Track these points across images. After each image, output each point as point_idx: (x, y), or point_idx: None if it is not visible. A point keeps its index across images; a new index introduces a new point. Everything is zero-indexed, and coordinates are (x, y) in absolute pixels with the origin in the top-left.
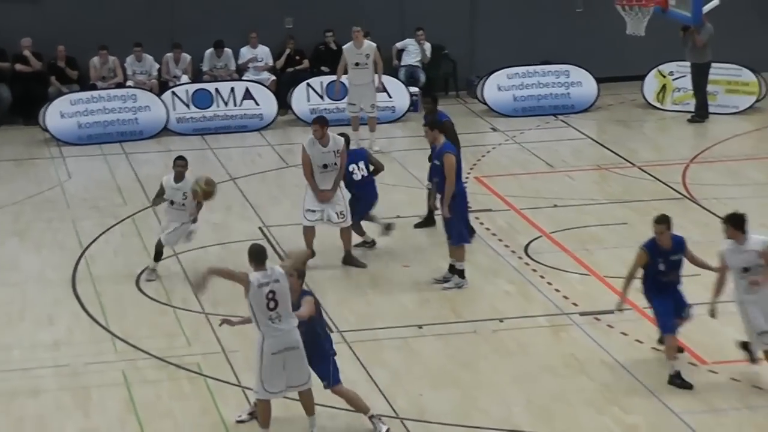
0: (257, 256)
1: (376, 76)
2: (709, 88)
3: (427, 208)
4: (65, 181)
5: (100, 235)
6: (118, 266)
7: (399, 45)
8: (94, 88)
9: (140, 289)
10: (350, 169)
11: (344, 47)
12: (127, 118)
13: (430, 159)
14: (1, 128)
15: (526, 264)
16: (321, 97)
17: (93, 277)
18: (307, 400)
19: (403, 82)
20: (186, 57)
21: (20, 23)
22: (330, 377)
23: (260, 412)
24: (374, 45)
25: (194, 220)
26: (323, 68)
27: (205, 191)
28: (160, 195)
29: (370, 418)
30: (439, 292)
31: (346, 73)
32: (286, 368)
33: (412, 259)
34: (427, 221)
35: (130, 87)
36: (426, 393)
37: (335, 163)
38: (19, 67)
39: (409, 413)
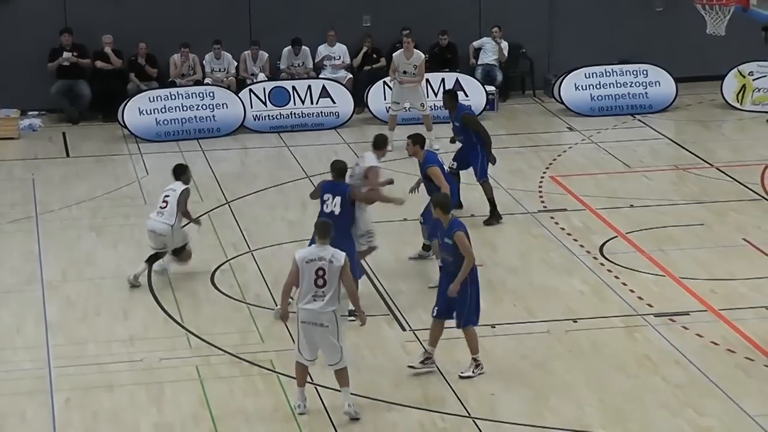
0: (319, 230)
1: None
2: None
3: (489, 203)
4: (143, 178)
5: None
6: (193, 262)
7: (476, 44)
8: (172, 85)
9: (215, 285)
10: (324, 198)
11: (394, 55)
12: (205, 116)
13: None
14: (81, 124)
15: (601, 264)
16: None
17: (168, 273)
18: (340, 377)
19: (479, 81)
20: (263, 55)
21: (101, 20)
22: (463, 317)
23: (296, 371)
24: (422, 56)
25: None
26: None
27: None
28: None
29: (474, 359)
30: (512, 292)
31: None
32: (317, 340)
33: (486, 258)
34: (493, 216)
35: (207, 84)
36: (498, 393)
37: None
38: (99, 64)
39: (480, 413)
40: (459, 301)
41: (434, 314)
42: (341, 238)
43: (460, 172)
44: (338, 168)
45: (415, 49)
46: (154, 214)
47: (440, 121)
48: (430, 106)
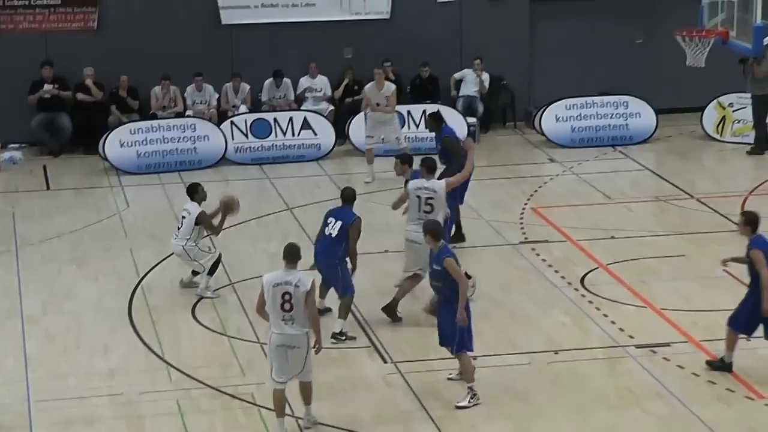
0: (286, 254)
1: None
2: None
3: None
4: (124, 210)
5: (158, 264)
6: (174, 295)
7: (457, 75)
8: (154, 117)
9: (196, 319)
10: (328, 221)
11: (366, 87)
12: (186, 148)
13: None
14: (62, 157)
15: (583, 296)
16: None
17: (149, 306)
18: (305, 392)
19: (460, 113)
20: (245, 87)
21: (82, 53)
22: (455, 344)
23: (274, 402)
24: (393, 87)
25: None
26: None
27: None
28: None
29: (469, 388)
30: (494, 324)
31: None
32: (288, 360)
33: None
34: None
35: (189, 116)
36: (479, 425)
37: None
38: (80, 96)
39: None
40: (444, 326)
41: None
42: (329, 263)
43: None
44: (347, 195)
45: (386, 81)
46: (174, 236)
47: (421, 153)
48: (413, 138)
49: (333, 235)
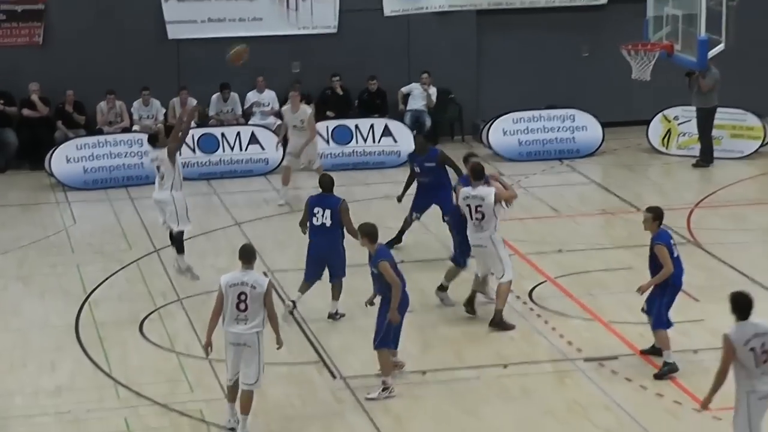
0: (242, 255)
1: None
2: (714, 132)
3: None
4: (70, 226)
5: (105, 280)
6: (121, 312)
7: (404, 89)
8: (100, 132)
9: (143, 335)
10: (314, 211)
11: (282, 109)
12: (133, 163)
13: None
14: (8, 173)
15: (531, 309)
16: (327, 141)
17: (96, 322)
18: (245, 400)
19: (408, 127)
20: (192, 102)
21: (28, 68)
22: (377, 338)
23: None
24: (309, 110)
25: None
26: (329, 113)
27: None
28: None
29: (383, 382)
30: (442, 337)
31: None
32: (242, 359)
33: (416, 304)
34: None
35: (136, 132)
36: None
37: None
38: (26, 112)
39: None
40: (378, 323)
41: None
42: (333, 249)
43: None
44: (325, 182)
45: (301, 104)
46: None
47: (369, 168)
48: (361, 152)
49: (327, 225)
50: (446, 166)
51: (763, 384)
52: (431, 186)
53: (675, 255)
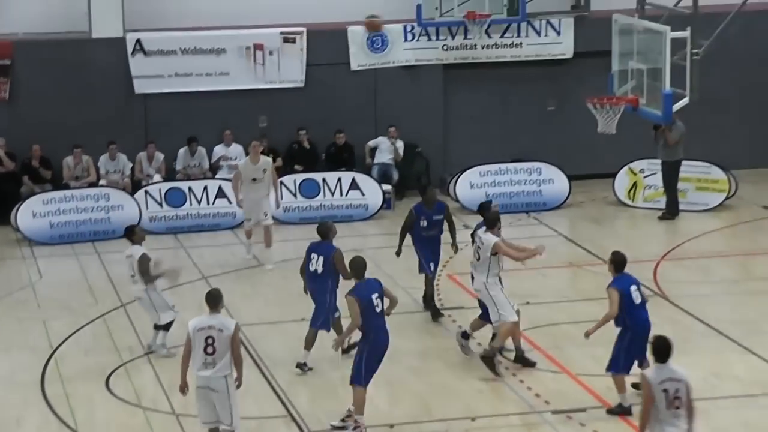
0: (208, 300)
1: (273, 190)
2: (680, 185)
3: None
4: (36, 281)
5: (71, 335)
6: (88, 367)
7: (371, 143)
8: (67, 187)
9: (110, 390)
10: (311, 257)
11: (240, 163)
12: (100, 218)
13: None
14: None
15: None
16: (294, 195)
17: (62, 378)
18: None
19: (375, 180)
20: (159, 155)
21: None
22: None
23: None
24: (270, 160)
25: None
26: (296, 167)
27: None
28: None
29: (355, 421)
30: (411, 390)
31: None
32: (213, 404)
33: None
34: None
35: (103, 186)
36: None
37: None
38: None
39: None
40: (355, 358)
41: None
42: (319, 296)
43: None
44: (322, 230)
45: (262, 155)
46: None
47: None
48: (329, 205)
49: (319, 271)
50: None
51: (671, 426)
52: (436, 239)
53: (638, 302)
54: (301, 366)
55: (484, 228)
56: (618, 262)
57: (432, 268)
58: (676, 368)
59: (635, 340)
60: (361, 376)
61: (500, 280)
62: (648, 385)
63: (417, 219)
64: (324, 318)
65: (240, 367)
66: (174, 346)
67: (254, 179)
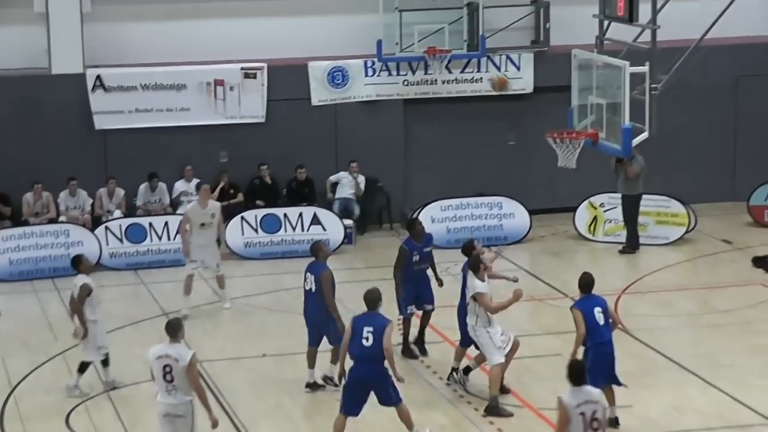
0: (167, 329)
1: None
2: (640, 219)
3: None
4: None
5: (30, 372)
6: (48, 404)
7: (333, 178)
8: (26, 224)
9: (70, 428)
10: (306, 277)
11: (188, 208)
12: (60, 254)
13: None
14: None
15: (461, 396)
16: (255, 230)
17: (22, 416)
18: None
19: (337, 215)
20: (120, 191)
21: None
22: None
23: None
24: (218, 204)
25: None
26: (258, 202)
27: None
28: None
29: None
30: (373, 426)
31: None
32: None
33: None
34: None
35: (63, 222)
36: None
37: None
38: None
39: None
40: None
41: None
42: (317, 313)
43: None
44: (313, 250)
45: (210, 200)
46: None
47: (297, 257)
48: (290, 240)
49: (312, 290)
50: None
51: None
52: (425, 273)
53: (602, 323)
54: (327, 380)
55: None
56: (582, 284)
57: (411, 310)
58: (592, 390)
59: (597, 359)
60: (341, 404)
61: (489, 321)
62: (564, 409)
63: (410, 255)
64: (335, 336)
65: (204, 400)
66: (125, 385)
67: (203, 224)
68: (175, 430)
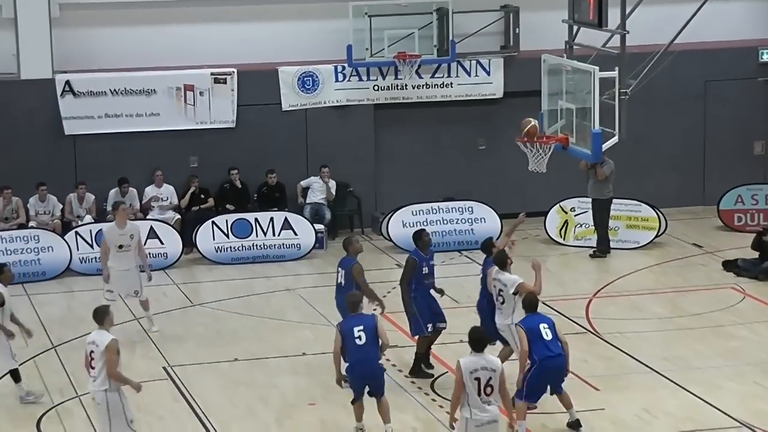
0: (94, 316)
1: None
2: (611, 223)
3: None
4: None
5: (1, 378)
6: (18, 410)
7: (303, 183)
8: None
9: None
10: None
11: (105, 228)
12: (29, 259)
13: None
14: None
15: (433, 400)
16: (226, 235)
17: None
18: None
19: (308, 220)
20: (90, 197)
21: None
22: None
23: None
24: (138, 225)
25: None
26: (228, 206)
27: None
28: None
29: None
30: (344, 428)
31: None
32: (97, 421)
33: (319, 398)
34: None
35: (32, 228)
36: None
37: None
38: None
39: None
40: None
41: None
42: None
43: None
44: (344, 244)
45: (128, 221)
46: None
47: (276, 260)
48: (261, 245)
49: (342, 284)
50: None
51: (481, 412)
52: (429, 294)
53: (548, 338)
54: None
55: (496, 268)
56: (526, 304)
57: (431, 328)
58: (491, 358)
59: (540, 373)
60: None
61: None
62: (460, 372)
63: (420, 267)
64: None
65: (124, 381)
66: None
67: (120, 246)
68: (96, 416)
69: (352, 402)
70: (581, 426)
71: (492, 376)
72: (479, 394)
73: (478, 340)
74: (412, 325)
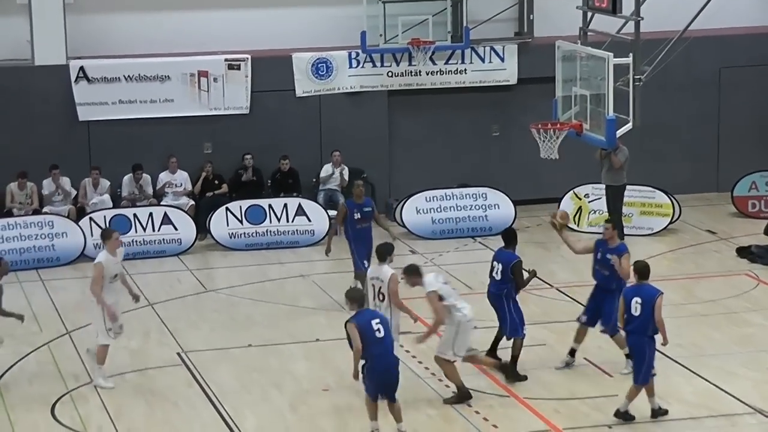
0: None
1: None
2: (624, 210)
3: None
4: None
5: (15, 363)
6: (33, 395)
7: (322, 173)
8: (10, 215)
9: (55, 418)
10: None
11: (102, 259)
12: (44, 245)
13: None
14: None
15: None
16: (240, 221)
17: (7, 406)
18: None
19: (322, 206)
20: (105, 182)
21: None
22: None
23: None
24: (122, 251)
25: None
26: (244, 177)
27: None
28: None
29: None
30: (360, 418)
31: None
32: None
33: (332, 384)
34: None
35: (46, 213)
36: None
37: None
38: None
39: None
40: None
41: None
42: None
43: None
44: (379, 252)
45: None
46: None
47: (302, 246)
48: (275, 231)
49: (383, 295)
50: None
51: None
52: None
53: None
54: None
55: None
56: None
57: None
58: (386, 270)
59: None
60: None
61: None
62: (364, 277)
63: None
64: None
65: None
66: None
67: (115, 276)
68: None
69: (368, 400)
70: (633, 417)
71: (382, 285)
72: (374, 298)
73: (381, 253)
74: (508, 327)
